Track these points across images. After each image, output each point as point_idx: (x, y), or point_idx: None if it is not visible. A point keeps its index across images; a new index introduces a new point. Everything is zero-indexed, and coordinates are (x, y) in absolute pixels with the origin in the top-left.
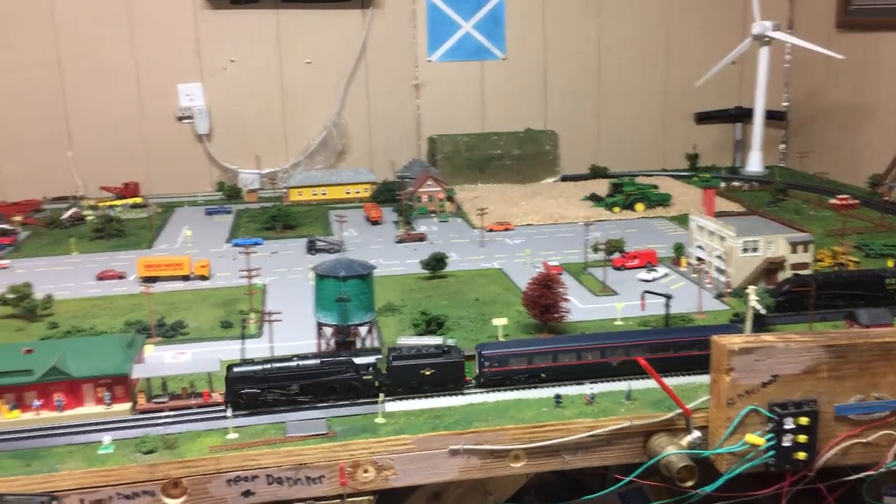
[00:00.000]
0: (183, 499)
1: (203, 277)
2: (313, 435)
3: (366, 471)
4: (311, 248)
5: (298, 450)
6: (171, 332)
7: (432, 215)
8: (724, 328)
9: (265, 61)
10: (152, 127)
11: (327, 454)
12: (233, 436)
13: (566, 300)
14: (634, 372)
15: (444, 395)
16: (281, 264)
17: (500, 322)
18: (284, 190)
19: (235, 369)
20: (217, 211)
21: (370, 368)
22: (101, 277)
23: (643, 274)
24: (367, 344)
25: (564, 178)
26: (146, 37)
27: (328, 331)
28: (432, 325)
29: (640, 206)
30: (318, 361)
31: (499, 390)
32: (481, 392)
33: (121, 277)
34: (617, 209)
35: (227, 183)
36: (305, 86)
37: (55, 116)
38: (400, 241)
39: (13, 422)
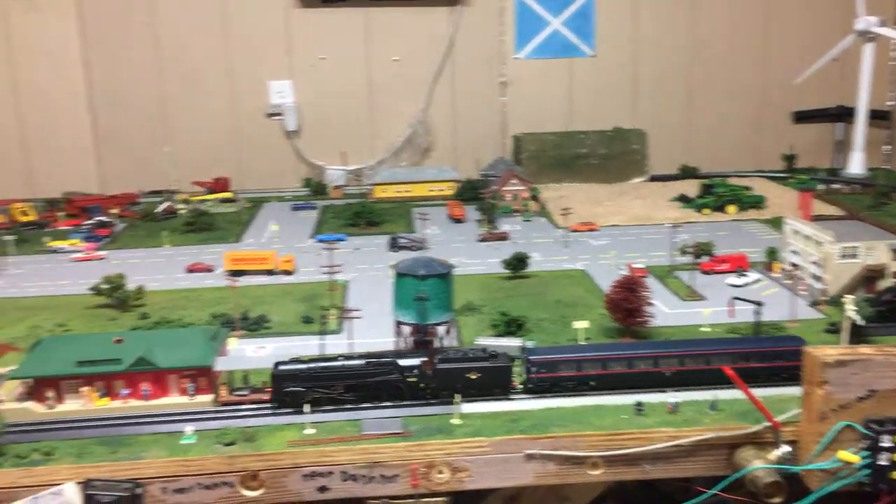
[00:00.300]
0: (261, 491)
1: (287, 272)
2: (389, 434)
3: (440, 472)
4: (394, 246)
5: (374, 448)
6: (255, 326)
7: (516, 214)
8: (787, 340)
9: (354, 59)
10: (244, 123)
11: (402, 453)
12: (310, 431)
13: (650, 304)
14: (687, 383)
15: (521, 399)
16: (363, 261)
17: (581, 325)
18: (369, 187)
19: (281, 367)
20: (303, 207)
21: (414, 371)
22: (190, 270)
23: (733, 279)
24: (446, 343)
25: (653, 179)
26: (239, 36)
27: (406, 329)
28: (511, 326)
29: (731, 209)
30: (363, 362)
31: (547, 396)
32: (554, 397)
33: (209, 270)
34: (707, 211)
35: (313, 179)
36: (392, 83)
37: (154, 114)
38: (482, 240)
39: (102, 409)
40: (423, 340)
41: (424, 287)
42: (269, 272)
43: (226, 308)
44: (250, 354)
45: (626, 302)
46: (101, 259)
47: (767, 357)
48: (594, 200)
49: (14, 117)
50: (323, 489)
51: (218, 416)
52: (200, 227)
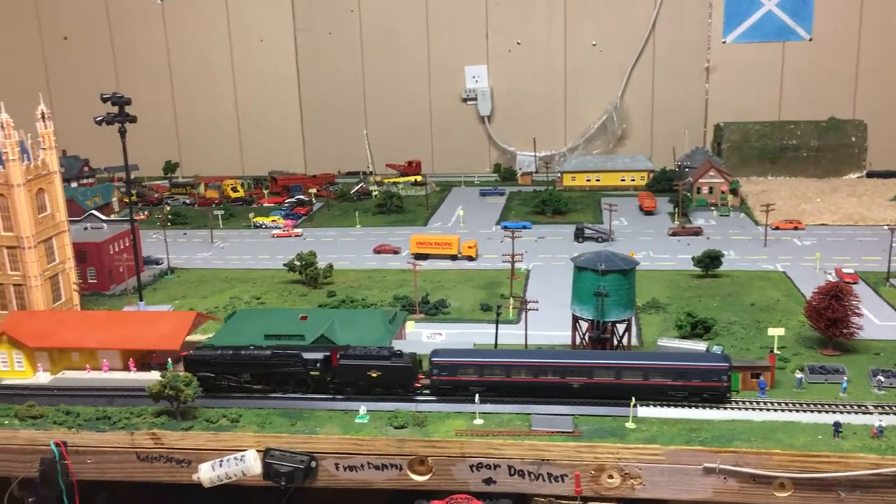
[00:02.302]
0: (427, 476)
1: (470, 258)
2: (558, 432)
3: (611, 476)
4: (579, 236)
5: (543, 445)
6: (434, 311)
7: (712, 208)
8: (713, 357)
9: (551, 43)
10: (438, 108)
11: (571, 453)
12: (479, 421)
13: (859, 314)
14: (597, 396)
15: (704, 408)
16: (547, 250)
17: (776, 332)
18: (558, 174)
19: (193, 353)
20: (491, 192)
21: (317, 364)
22: (377, 251)
23: None
24: (624, 342)
25: (871, 175)
26: (440, 22)
27: (584, 325)
28: (698, 328)
29: None
30: (269, 353)
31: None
32: (743, 409)
33: (395, 252)
34: None
35: (503, 165)
36: (589, 68)
37: (356, 98)
38: (673, 234)
39: None
40: (600, 337)
41: (604, 282)
42: (453, 257)
43: (408, 290)
44: (425, 339)
45: (831, 311)
46: (298, 236)
47: (680, 375)
48: (801, 196)
49: (231, 100)
50: (489, 481)
51: (391, 399)
52: (391, 209)
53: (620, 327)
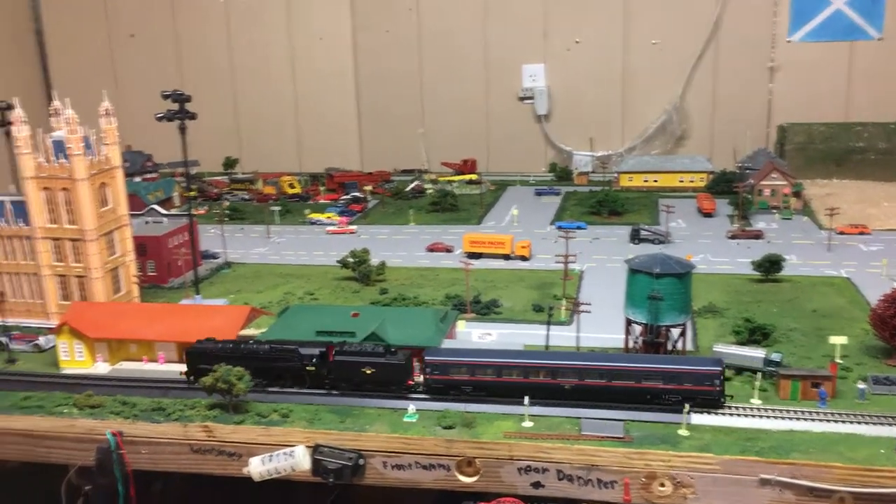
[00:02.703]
0: (475, 478)
1: (523, 258)
2: (609, 437)
3: (662, 484)
4: (635, 238)
5: (592, 450)
6: (485, 311)
7: (773, 211)
8: (705, 362)
9: (610, 42)
10: (495, 106)
11: (622, 459)
12: (528, 424)
13: None
14: (588, 398)
15: (760, 417)
16: (601, 251)
17: (838, 340)
18: (615, 174)
19: (195, 345)
20: (546, 192)
21: (313, 360)
22: (430, 249)
23: None
24: (679, 347)
25: None
26: (499, 20)
27: (637, 328)
28: (756, 334)
29: None
30: (267, 347)
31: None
32: (802, 420)
33: (448, 251)
34: None
35: (559, 164)
36: (649, 67)
37: (412, 96)
38: (732, 237)
39: None
40: (653, 341)
41: (659, 286)
42: (506, 257)
43: (460, 289)
44: (475, 340)
45: None
46: (352, 233)
47: (672, 379)
48: (868, 200)
49: (291, 97)
50: (537, 485)
51: (440, 398)
52: (445, 207)
53: (675, 332)
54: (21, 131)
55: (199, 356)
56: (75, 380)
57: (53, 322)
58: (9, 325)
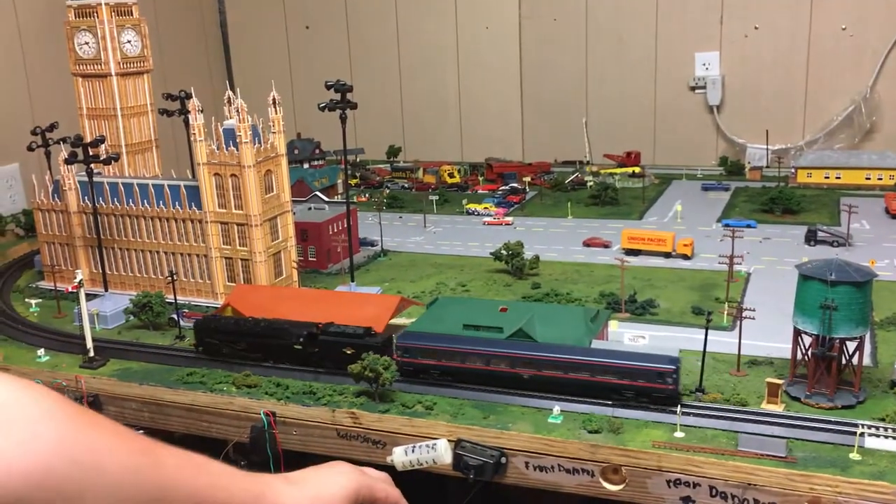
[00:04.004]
0: (621, 486)
1: (685, 257)
2: (768, 455)
3: None
4: (811, 239)
5: (749, 468)
6: (641, 311)
7: None
8: (661, 359)
9: (793, 27)
10: (663, 96)
11: (782, 480)
12: (679, 434)
13: None
14: (547, 390)
15: None
16: (772, 252)
17: None
18: (792, 170)
19: (202, 318)
20: (714, 187)
21: (301, 339)
22: (586, 244)
23: None
24: (854, 363)
25: None
26: (670, 4)
27: (807, 339)
28: None
29: None
30: (263, 325)
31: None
32: None
33: (605, 246)
34: None
35: (730, 158)
36: (835, 54)
37: (576, 84)
38: None
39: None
40: (825, 355)
41: (833, 294)
42: (666, 255)
43: (615, 287)
44: (627, 342)
45: None
46: (508, 224)
47: (626, 374)
48: None
49: (455, 86)
50: (687, 500)
51: (586, 401)
52: (605, 200)
53: (851, 345)
54: (197, 119)
55: (204, 330)
56: (234, 359)
57: (220, 302)
58: (180, 303)
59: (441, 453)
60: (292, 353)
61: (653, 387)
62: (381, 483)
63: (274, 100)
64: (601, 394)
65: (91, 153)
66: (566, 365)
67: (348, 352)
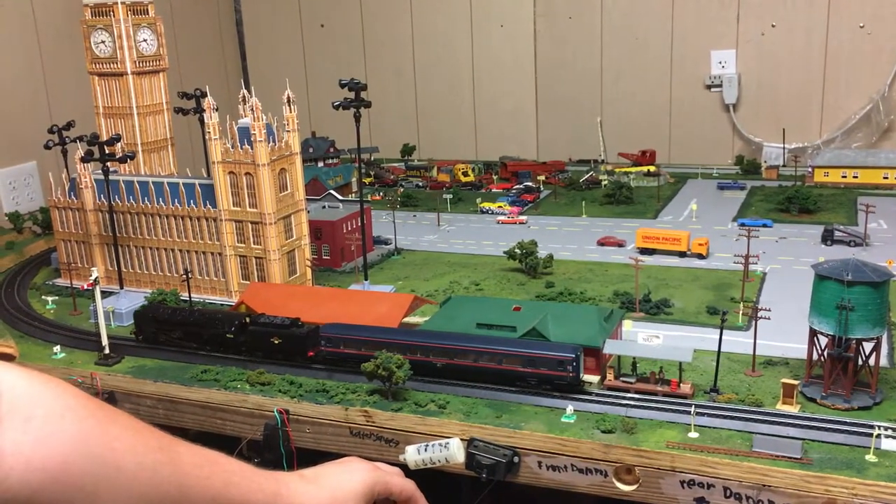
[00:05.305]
0: (634, 487)
1: (700, 256)
2: (783, 457)
3: None
4: (828, 239)
5: (764, 469)
6: (655, 310)
7: None
8: (562, 348)
9: (810, 25)
10: (679, 95)
11: (797, 482)
12: (693, 434)
13: None
14: (457, 377)
15: None
16: (788, 252)
17: None
18: (809, 169)
19: (140, 309)
20: (729, 186)
21: (232, 329)
22: (601, 243)
23: None
24: (871, 363)
25: None
26: (687, 2)
27: (823, 340)
28: None
29: None
30: (197, 314)
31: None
32: None
33: (620, 245)
34: None
35: (746, 157)
36: (853, 53)
37: (591, 83)
38: None
39: None
40: (840, 356)
41: (850, 294)
42: (681, 254)
43: (630, 286)
44: (640, 342)
45: None
46: (522, 223)
47: (529, 363)
48: None
49: (469, 85)
50: (701, 501)
51: (600, 401)
52: (619, 199)
53: (867, 346)
54: (212, 118)
55: (144, 318)
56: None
57: (234, 300)
58: (195, 300)
59: (454, 452)
60: (225, 342)
61: (553, 374)
62: (395, 477)
63: (288, 98)
64: (508, 381)
65: (107, 151)
66: (476, 353)
67: (275, 341)
